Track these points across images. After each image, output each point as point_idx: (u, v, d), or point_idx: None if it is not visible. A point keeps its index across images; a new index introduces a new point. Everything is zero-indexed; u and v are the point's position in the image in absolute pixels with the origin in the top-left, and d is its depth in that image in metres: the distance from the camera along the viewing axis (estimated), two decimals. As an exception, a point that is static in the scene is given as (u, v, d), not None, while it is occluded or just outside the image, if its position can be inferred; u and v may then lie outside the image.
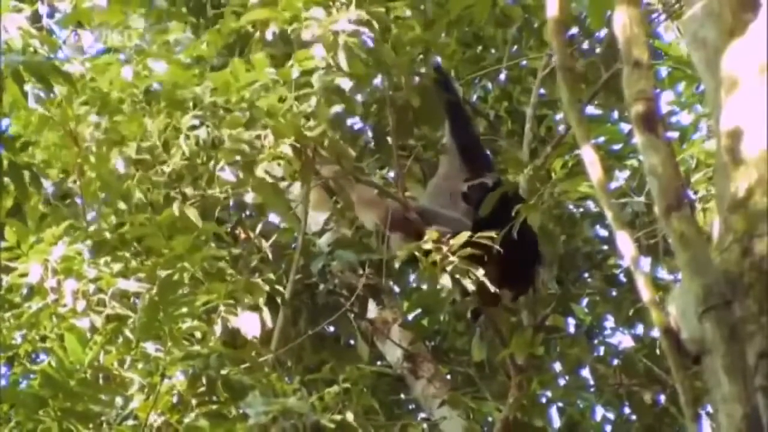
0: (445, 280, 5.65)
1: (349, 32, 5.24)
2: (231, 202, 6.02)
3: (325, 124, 5.24)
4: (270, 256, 6.28)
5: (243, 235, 6.61)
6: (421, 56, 5.76)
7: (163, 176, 5.25)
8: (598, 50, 6.93)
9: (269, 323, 5.57)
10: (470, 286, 5.68)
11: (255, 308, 5.46)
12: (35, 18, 6.16)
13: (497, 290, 5.89)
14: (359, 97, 5.61)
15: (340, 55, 5.21)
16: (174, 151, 5.21)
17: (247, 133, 5.20)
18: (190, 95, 5.28)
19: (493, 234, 5.65)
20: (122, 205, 5.47)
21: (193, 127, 5.24)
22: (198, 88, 5.26)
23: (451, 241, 5.65)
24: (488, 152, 6.66)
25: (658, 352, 6.72)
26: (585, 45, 7.08)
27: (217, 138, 5.22)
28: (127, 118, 5.30)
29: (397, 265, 5.99)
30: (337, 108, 5.31)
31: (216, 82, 5.26)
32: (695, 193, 6.11)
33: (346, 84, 5.25)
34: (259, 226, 6.54)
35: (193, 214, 5.22)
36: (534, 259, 6.20)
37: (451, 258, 5.60)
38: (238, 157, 5.20)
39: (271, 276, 5.81)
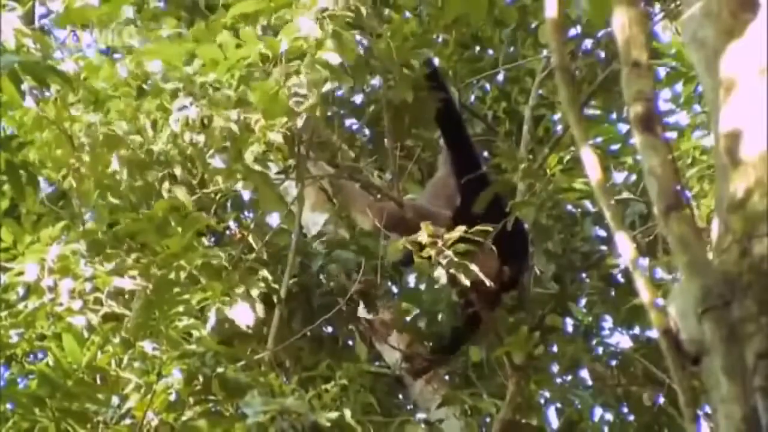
0: (440, 274, 5.64)
1: (336, 15, 5.20)
2: (228, 202, 6.01)
3: (317, 98, 5.20)
4: (265, 256, 6.27)
5: (238, 235, 6.60)
6: (415, 50, 5.72)
7: (150, 156, 5.21)
8: (602, 54, 6.93)
9: (261, 314, 5.56)
10: (466, 281, 5.67)
11: (248, 298, 5.45)
12: (29, 18, 6.15)
13: (495, 284, 5.91)
14: (357, 100, 5.60)
15: (328, 42, 5.17)
16: (163, 130, 5.18)
17: (236, 111, 5.17)
18: (179, 78, 5.25)
19: (488, 227, 5.66)
20: (115, 201, 5.46)
21: (183, 108, 5.20)
22: (188, 68, 5.22)
23: (446, 236, 5.65)
24: (477, 155, 6.58)
25: (656, 351, 6.71)
26: (585, 45, 7.09)
27: (207, 117, 5.18)
28: (120, 113, 5.28)
29: (392, 261, 6.00)
30: (329, 85, 5.27)
31: (204, 58, 5.21)
32: (690, 190, 6.12)
33: (334, 59, 5.21)
34: (252, 225, 6.54)
35: (182, 194, 5.19)
36: (523, 231, 6.22)
37: (447, 252, 5.60)
38: (227, 144, 5.17)
39: (268, 275, 5.81)
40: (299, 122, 5.23)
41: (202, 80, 5.19)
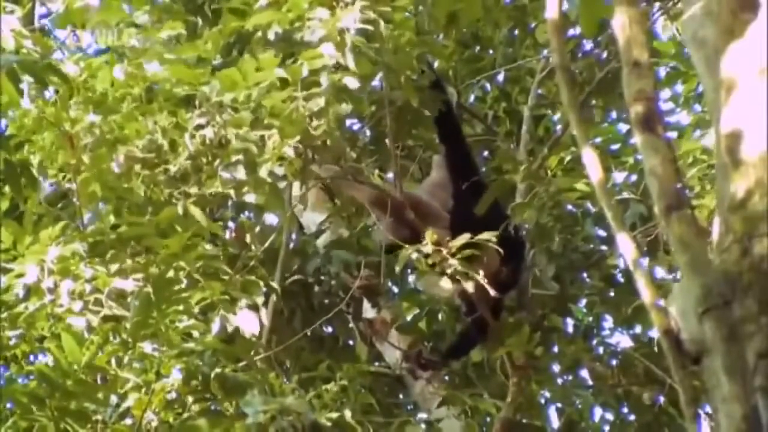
0: (445, 283, 5.65)
1: (356, 30, 5.18)
2: (231, 201, 5.99)
3: (332, 123, 5.17)
4: (263, 256, 6.27)
5: (234, 234, 6.60)
6: (419, 56, 5.71)
7: (167, 174, 5.20)
8: (605, 55, 6.92)
9: (266, 322, 5.56)
10: (469, 288, 5.68)
11: (253, 307, 5.45)
12: (28, 19, 6.15)
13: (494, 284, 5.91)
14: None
15: (347, 55, 5.15)
16: (180, 151, 5.17)
17: (253, 132, 5.15)
18: (194, 93, 5.23)
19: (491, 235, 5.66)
20: (120, 204, 5.45)
21: (199, 126, 5.19)
22: (205, 87, 5.21)
23: (450, 243, 5.64)
24: (473, 158, 6.57)
25: (657, 351, 6.71)
26: (584, 46, 7.08)
27: (224, 137, 5.17)
28: (125, 117, 5.27)
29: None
30: (345, 107, 5.25)
31: (224, 81, 5.20)
32: (690, 189, 6.12)
33: (353, 83, 5.18)
34: (258, 228, 6.53)
35: (198, 213, 5.18)
36: (520, 232, 6.22)
37: (451, 261, 5.60)
38: (240, 156, 5.15)
39: (265, 273, 5.80)
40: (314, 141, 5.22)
41: (219, 99, 5.16)
